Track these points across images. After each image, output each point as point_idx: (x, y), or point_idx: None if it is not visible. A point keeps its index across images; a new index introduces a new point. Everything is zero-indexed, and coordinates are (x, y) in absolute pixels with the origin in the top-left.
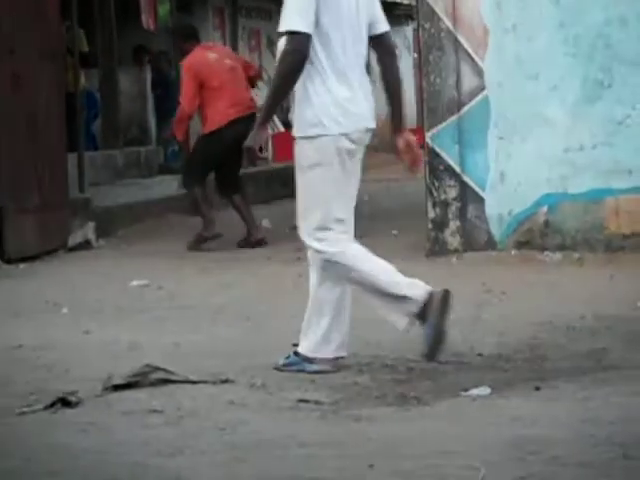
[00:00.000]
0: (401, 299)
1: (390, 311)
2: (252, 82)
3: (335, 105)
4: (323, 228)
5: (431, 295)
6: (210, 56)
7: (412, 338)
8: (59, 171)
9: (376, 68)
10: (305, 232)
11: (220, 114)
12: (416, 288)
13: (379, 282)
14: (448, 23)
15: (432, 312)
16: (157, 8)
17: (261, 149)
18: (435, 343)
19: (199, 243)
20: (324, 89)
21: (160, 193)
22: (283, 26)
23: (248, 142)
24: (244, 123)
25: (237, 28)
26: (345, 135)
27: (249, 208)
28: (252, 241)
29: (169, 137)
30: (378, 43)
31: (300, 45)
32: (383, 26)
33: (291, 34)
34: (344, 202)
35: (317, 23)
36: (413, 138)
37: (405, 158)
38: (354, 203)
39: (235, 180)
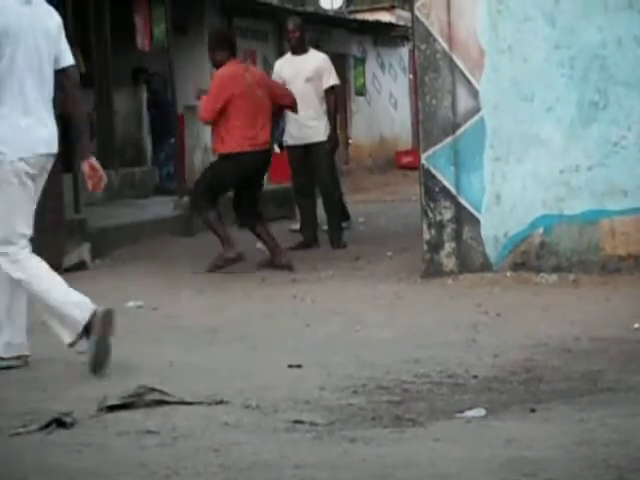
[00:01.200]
0: (68, 316)
1: (57, 325)
2: (291, 109)
3: (15, 132)
4: (6, 243)
5: (95, 313)
6: (247, 78)
7: (407, 360)
8: (54, 192)
9: (371, 89)
10: None
11: (235, 141)
12: (81, 308)
13: (50, 299)
14: (444, 44)
15: (95, 329)
16: (152, 29)
17: None
18: (97, 358)
19: (219, 266)
20: (5, 119)
21: (155, 214)
22: None
23: None
24: (262, 158)
25: None
26: (23, 159)
27: (270, 233)
28: (275, 264)
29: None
30: (63, 76)
31: None
32: (67, 60)
33: None
34: (25, 218)
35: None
36: (97, 164)
37: (89, 180)
38: (33, 220)
39: (255, 210)
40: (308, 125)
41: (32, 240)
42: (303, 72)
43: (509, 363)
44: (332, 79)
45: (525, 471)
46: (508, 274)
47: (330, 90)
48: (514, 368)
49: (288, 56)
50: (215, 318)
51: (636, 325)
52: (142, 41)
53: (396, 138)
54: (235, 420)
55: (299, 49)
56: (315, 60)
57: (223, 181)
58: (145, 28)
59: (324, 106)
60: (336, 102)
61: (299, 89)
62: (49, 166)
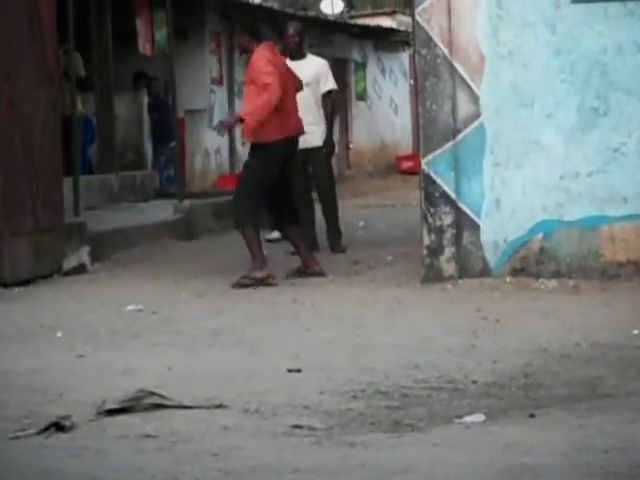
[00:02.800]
0: None
1: None
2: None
3: None
4: None
5: None
6: (280, 60)
7: (407, 365)
8: (55, 195)
9: (372, 94)
10: None
11: (274, 128)
12: None
13: None
14: (444, 50)
15: None
16: (154, 33)
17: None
18: None
19: (247, 285)
20: None
21: (155, 217)
22: None
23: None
24: (292, 146)
25: (233, 53)
26: None
27: (302, 240)
28: (307, 272)
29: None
30: None
31: None
32: None
33: None
34: None
35: None
36: None
37: None
38: None
39: (292, 210)
40: (306, 130)
41: (32, 243)
42: (301, 77)
43: (508, 369)
44: (330, 84)
45: (524, 477)
46: (508, 279)
47: (328, 95)
48: (513, 374)
49: (286, 61)
50: (215, 322)
51: (635, 331)
52: (144, 45)
53: (396, 143)
54: (234, 424)
55: (297, 54)
56: (313, 65)
57: (260, 179)
58: (147, 32)
59: (322, 111)
60: (333, 107)
61: (297, 94)
62: None
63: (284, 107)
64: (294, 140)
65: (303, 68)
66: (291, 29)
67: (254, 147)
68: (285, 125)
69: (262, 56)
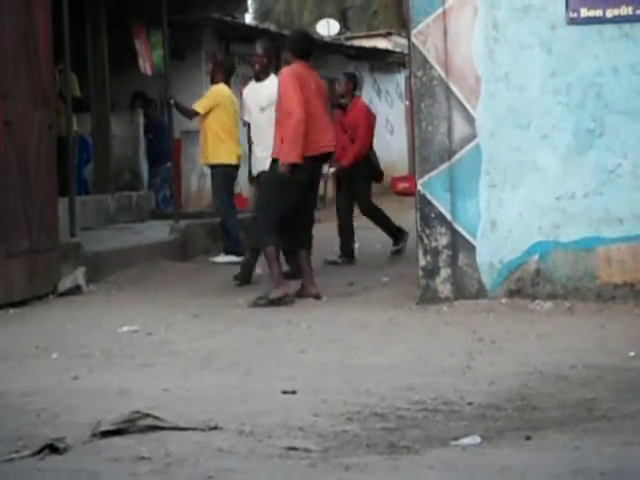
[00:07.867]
0: None
1: None
2: None
3: None
4: None
5: None
6: (311, 81)
7: (402, 387)
8: (50, 215)
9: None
10: None
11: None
12: None
13: None
14: (440, 71)
15: None
16: (151, 54)
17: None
18: None
19: (262, 305)
20: None
21: (151, 238)
22: None
23: None
24: (316, 166)
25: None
26: None
27: (310, 265)
28: (304, 295)
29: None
30: None
31: None
32: None
33: None
34: None
35: None
36: None
37: None
38: None
39: (308, 233)
40: (258, 157)
41: (27, 264)
42: (257, 100)
43: (504, 390)
44: None
45: None
46: (503, 301)
47: None
48: (509, 395)
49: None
50: (210, 343)
51: (631, 353)
52: (144, 65)
53: (392, 164)
54: (229, 446)
55: (262, 75)
56: (273, 88)
57: (280, 197)
58: (146, 52)
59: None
60: None
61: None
62: None
63: (308, 127)
64: (319, 160)
65: (260, 90)
66: (258, 48)
67: (275, 162)
68: (309, 145)
69: (287, 71)
